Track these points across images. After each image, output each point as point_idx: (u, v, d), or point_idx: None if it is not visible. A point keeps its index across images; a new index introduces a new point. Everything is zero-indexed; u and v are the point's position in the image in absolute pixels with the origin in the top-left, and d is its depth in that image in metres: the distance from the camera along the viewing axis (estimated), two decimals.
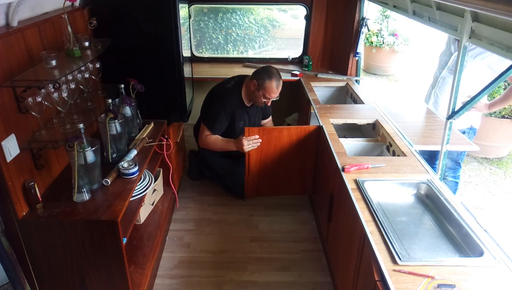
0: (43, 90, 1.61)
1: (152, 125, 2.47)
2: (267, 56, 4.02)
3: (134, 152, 2.10)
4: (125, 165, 1.94)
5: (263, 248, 2.56)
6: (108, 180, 1.85)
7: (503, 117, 3.90)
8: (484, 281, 1.30)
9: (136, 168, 1.95)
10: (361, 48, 3.40)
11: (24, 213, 1.62)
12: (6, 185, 1.50)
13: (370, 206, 1.66)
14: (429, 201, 1.82)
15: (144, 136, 2.31)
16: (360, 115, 2.67)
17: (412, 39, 6.76)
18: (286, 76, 3.55)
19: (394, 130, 2.36)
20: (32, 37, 1.71)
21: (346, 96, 3.39)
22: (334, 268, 2.23)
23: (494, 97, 3.97)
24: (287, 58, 3.93)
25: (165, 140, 2.49)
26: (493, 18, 1.44)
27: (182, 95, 2.61)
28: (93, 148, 1.71)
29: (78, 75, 1.93)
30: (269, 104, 2.88)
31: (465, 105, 1.81)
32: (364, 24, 3.24)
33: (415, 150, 2.14)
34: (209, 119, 2.88)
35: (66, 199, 1.73)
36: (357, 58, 3.43)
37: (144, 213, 2.45)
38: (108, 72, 2.32)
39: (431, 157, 2.61)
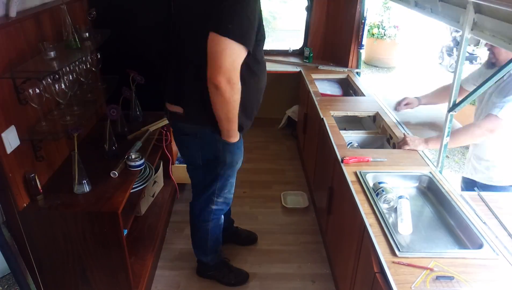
0: (42, 82, 1.60)
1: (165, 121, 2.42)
2: (268, 48, 3.98)
3: (139, 144, 2.10)
4: (132, 156, 1.94)
5: (263, 240, 2.57)
6: (116, 172, 1.85)
7: None
8: (483, 273, 1.30)
9: (143, 160, 1.95)
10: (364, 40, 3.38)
11: (25, 205, 1.63)
12: (6, 177, 1.50)
13: (370, 199, 1.66)
14: (430, 194, 1.82)
15: (152, 128, 2.30)
16: (360, 108, 2.66)
17: (414, 30, 6.73)
18: (286, 68, 3.54)
19: (394, 123, 2.36)
20: (31, 28, 1.70)
21: (347, 88, 3.37)
22: (334, 260, 2.25)
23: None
24: (287, 50, 3.91)
25: (164, 132, 2.49)
26: (496, 9, 1.43)
27: None
28: None
29: (78, 67, 1.92)
30: None
31: (466, 97, 1.80)
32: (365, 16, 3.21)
33: None
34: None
35: (66, 190, 1.73)
36: (361, 51, 3.40)
37: (144, 205, 2.46)
38: (108, 64, 2.31)
39: None
